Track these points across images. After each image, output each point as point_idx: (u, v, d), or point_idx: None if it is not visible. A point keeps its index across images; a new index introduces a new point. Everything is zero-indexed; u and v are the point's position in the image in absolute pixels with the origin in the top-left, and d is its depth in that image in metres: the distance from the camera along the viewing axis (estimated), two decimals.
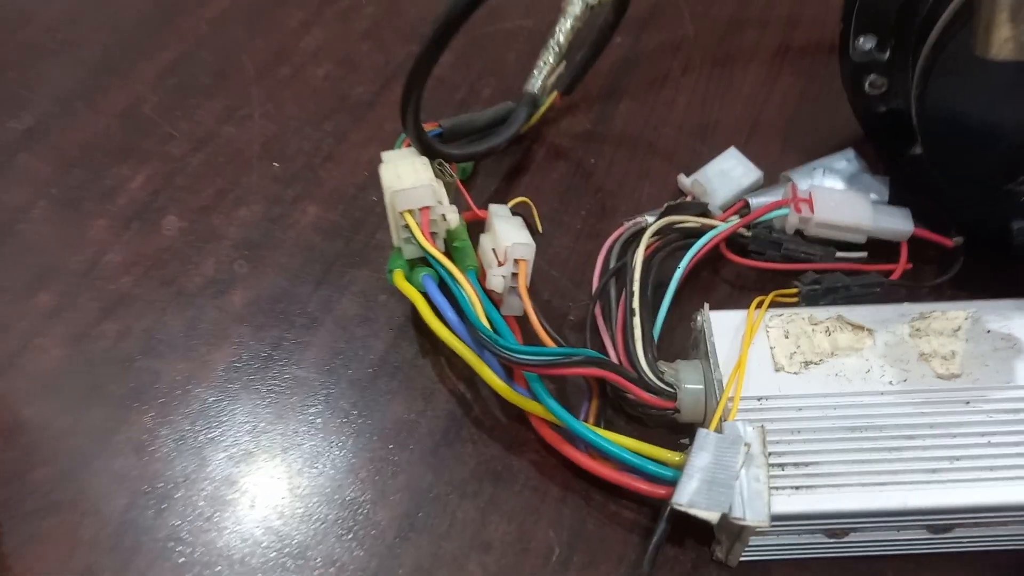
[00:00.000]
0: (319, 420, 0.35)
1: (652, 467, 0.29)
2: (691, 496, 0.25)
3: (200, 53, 0.48)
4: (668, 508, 0.28)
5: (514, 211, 0.39)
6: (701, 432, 0.28)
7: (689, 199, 0.40)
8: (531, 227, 0.41)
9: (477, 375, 0.32)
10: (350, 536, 0.32)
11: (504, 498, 0.32)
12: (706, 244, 0.36)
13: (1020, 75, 0.30)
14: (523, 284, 0.33)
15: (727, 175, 0.41)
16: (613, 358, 0.33)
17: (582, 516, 0.32)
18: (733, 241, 0.38)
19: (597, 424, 0.33)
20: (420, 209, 0.34)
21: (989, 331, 0.31)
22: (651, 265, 0.36)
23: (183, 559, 0.31)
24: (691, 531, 0.31)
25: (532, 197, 0.41)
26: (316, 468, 0.33)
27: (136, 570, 0.31)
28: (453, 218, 0.35)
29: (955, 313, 0.31)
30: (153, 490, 0.33)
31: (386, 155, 0.36)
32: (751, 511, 0.26)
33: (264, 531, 0.32)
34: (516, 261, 0.33)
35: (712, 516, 0.25)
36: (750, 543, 0.29)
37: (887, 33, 0.35)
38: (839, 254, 0.37)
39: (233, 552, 0.31)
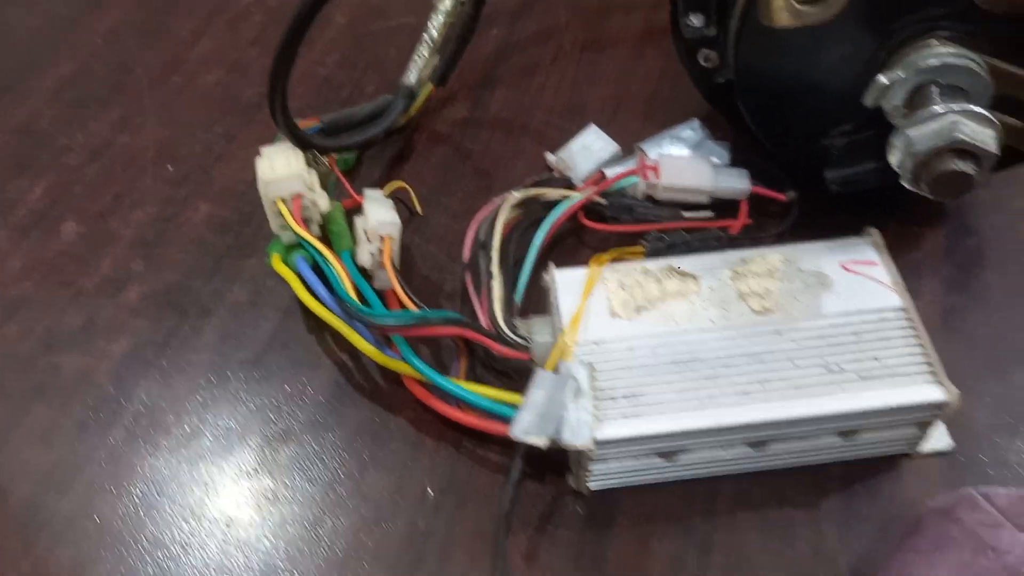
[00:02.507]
0: (211, 398, 0.37)
1: (509, 411, 0.32)
2: (525, 426, 0.29)
3: (94, 66, 0.50)
4: (521, 447, 0.32)
5: (394, 196, 0.42)
6: (538, 372, 0.31)
7: (555, 174, 0.44)
8: (410, 209, 0.44)
9: (355, 346, 0.35)
10: (243, 495, 0.34)
11: (382, 454, 0.35)
12: (564, 212, 0.40)
13: (811, 40, 0.34)
14: (387, 258, 0.36)
15: (588, 150, 0.44)
16: (481, 320, 0.36)
17: (454, 464, 0.35)
18: (593, 210, 0.41)
19: (468, 380, 0.36)
20: (292, 197, 0.37)
21: (801, 270, 0.34)
22: (513, 235, 0.39)
23: (88, 536, 0.34)
24: (548, 469, 0.34)
25: (413, 182, 0.44)
26: (208, 440, 0.36)
27: (43, 547, 0.33)
28: (324, 204, 0.38)
29: (772, 256, 0.35)
30: (56, 473, 0.35)
31: (265, 149, 0.39)
32: (578, 436, 0.29)
33: (163, 500, 0.34)
34: (381, 238, 0.36)
35: (541, 441, 0.28)
36: (594, 469, 0.32)
37: (711, 9, 0.39)
38: (686, 214, 0.41)
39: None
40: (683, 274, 0.34)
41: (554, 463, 0.34)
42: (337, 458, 0.35)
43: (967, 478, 0.34)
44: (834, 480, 0.34)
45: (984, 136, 0.31)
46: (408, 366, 0.34)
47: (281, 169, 0.37)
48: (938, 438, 0.34)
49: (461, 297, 0.39)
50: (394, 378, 0.37)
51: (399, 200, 0.44)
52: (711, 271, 0.35)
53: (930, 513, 0.28)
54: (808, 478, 0.34)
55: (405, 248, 0.42)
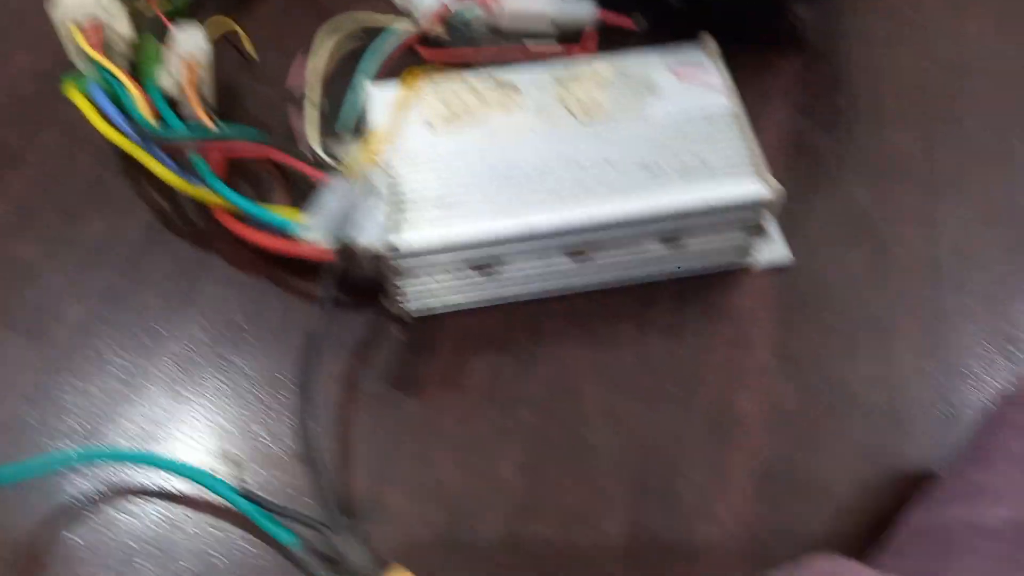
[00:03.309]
0: (27, 248, 0.35)
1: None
2: (316, 229, 0.27)
3: None
4: (332, 267, 0.30)
5: (226, 38, 0.39)
6: (334, 179, 0.29)
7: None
8: (242, 53, 0.41)
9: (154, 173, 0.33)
10: (32, 333, 0.32)
11: (197, 292, 0.33)
12: (395, 40, 0.37)
13: None
14: (188, 81, 0.33)
15: None
16: (303, 148, 0.34)
17: (269, 296, 0.33)
18: (432, 42, 0.39)
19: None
20: (89, 23, 0.34)
21: (629, 77, 0.33)
22: (339, 61, 0.37)
23: None
24: (371, 298, 0.32)
25: (250, 24, 0.42)
26: (26, 287, 0.34)
27: None
28: (125, 30, 0.35)
29: (600, 65, 0.33)
30: None
31: None
32: (369, 236, 0.27)
33: None
34: (185, 61, 0.34)
35: (327, 240, 0.27)
36: (408, 287, 0.30)
37: None
38: (530, 43, 0.39)
39: None
40: (504, 84, 0.32)
41: (377, 293, 0.32)
42: (151, 297, 0.33)
43: (804, 288, 0.33)
44: (666, 295, 0.33)
45: None
46: (212, 192, 0.32)
47: None
48: (775, 251, 0.33)
49: (293, 137, 0.37)
50: (211, 217, 0.35)
51: (232, 43, 0.41)
52: (535, 82, 0.33)
53: (1007, 405, 0.25)
54: (639, 294, 0.33)
55: (234, 89, 0.40)
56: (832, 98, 0.39)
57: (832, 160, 0.37)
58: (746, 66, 0.39)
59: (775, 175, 0.36)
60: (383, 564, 0.26)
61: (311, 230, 0.26)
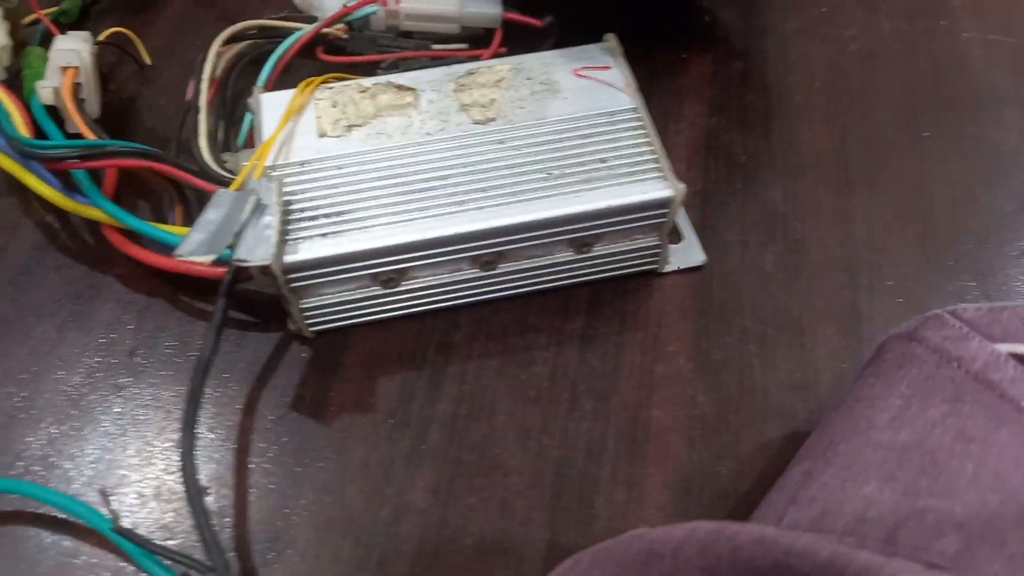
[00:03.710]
0: None
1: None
2: (193, 246, 0.25)
3: None
4: (223, 285, 0.28)
5: (119, 46, 0.37)
6: (218, 191, 0.27)
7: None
8: (138, 61, 0.39)
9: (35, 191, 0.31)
10: None
11: (85, 315, 0.31)
12: (292, 45, 0.36)
13: None
14: (67, 89, 0.31)
15: None
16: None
17: (166, 318, 0.31)
18: (335, 47, 0.38)
19: None
20: None
21: (530, 78, 0.32)
22: (234, 69, 0.35)
23: None
24: (273, 317, 0.31)
25: (150, 34, 0.40)
26: None
27: None
28: (2, 42, 0.33)
29: (500, 66, 0.32)
30: None
31: None
32: (256, 252, 0.26)
33: None
34: (63, 69, 0.32)
35: (207, 259, 0.25)
36: (307, 305, 0.29)
37: None
38: (436, 46, 0.37)
39: None
40: (401, 88, 0.31)
41: (279, 312, 0.30)
42: (39, 323, 0.31)
43: (719, 291, 0.32)
44: (580, 303, 0.32)
45: None
46: (98, 210, 0.30)
47: None
48: (690, 253, 0.33)
49: (177, 144, 0.35)
50: (100, 235, 0.33)
51: (126, 52, 0.40)
52: (433, 84, 0.31)
53: (891, 339, 0.24)
54: (553, 303, 0.32)
55: (131, 101, 0.38)
56: (744, 95, 0.38)
57: (745, 158, 0.36)
58: (658, 65, 0.39)
59: (687, 174, 0.36)
60: None
61: (190, 249, 0.25)
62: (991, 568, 0.19)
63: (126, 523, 0.26)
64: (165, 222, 0.33)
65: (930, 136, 0.37)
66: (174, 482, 0.28)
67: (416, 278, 0.29)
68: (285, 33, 0.36)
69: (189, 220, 0.33)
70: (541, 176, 0.29)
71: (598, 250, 0.30)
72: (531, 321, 0.31)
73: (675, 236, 0.32)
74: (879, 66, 0.40)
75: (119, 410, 0.29)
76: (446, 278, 0.29)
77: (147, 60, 0.39)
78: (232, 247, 0.26)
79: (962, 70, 0.40)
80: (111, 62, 0.39)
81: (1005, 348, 0.22)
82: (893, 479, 0.21)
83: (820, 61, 0.40)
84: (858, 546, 0.19)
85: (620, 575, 0.19)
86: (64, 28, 0.37)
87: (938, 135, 0.37)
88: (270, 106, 0.31)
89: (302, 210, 0.28)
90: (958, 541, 0.19)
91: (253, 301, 0.31)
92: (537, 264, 0.30)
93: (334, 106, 0.30)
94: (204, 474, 0.28)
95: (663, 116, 0.37)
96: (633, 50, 0.34)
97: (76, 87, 0.32)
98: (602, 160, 0.29)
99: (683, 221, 0.33)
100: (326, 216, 0.28)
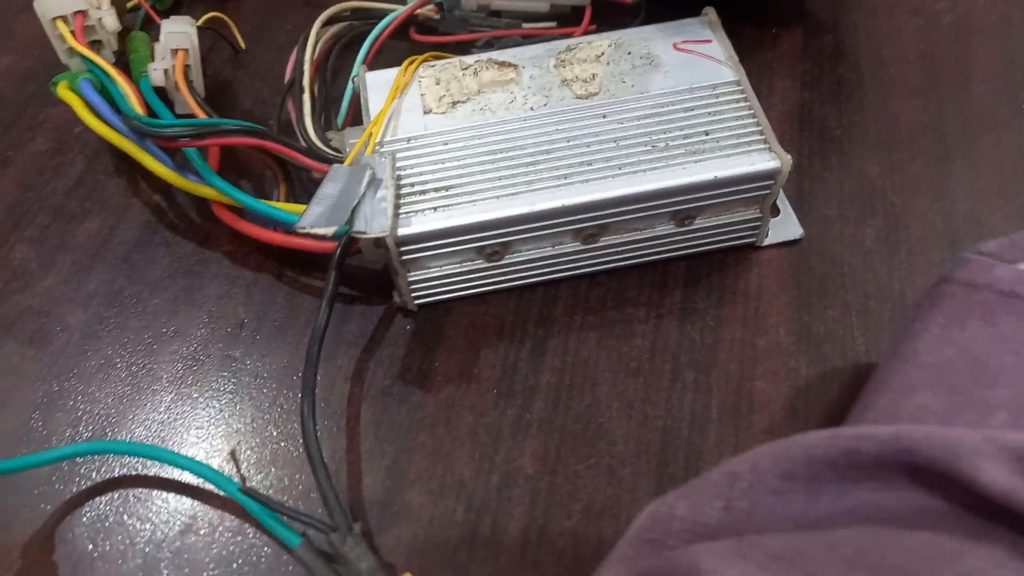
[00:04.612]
0: (15, 245, 0.34)
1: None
2: (313, 219, 0.26)
3: None
4: (335, 258, 0.29)
5: (214, 31, 0.38)
6: (334, 167, 0.28)
7: None
8: (233, 45, 0.40)
9: (172, 185, 0.32)
10: (35, 340, 0.31)
11: (195, 289, 0.32)
12: (387, 26, 0.36)
13: None
14: (179, 71, 0.32)
15: None
16: (300, 140, 0.33)
17: (273, 292, 0.32)
18: (428, 28, 0.38)
19: None
20: (75, 16, 0.33)
21: (630, 53, 0.32)
22: (332, 50, 0.36)
23: None
24: (377, 291, 0.32)
25: (238, 18, 0.41)
26: (23, 292, 0.33)
27: None
28: (110, 21, 0.34)
29: (600, 42, 0.32)
30: None
31: None
32: (372, 225, 0.26)
33: None
34: (174, 52, 0.33)
35: (328, 231, 0.26)
36: (413, 278, 0.29)
37: None
38: (527, 24, 0.38)
39: None
40: (502, 64, 0.31)
41: (382, 286, 0.31)
42: (153, 297, 0.32)
43: (818, 265, 0.32)
44: (677, 276, 0.32)
45: None
46: (210, 188, 0.31)
47: None
48: (788, 227, 0.33)
49: (278, 122, 0.36)
50: (211, 215, 0.34)
51: (222, 36, 0.41)
52: (534, 61, 0.32)
53: (925, 292, 0.26)
54: (650, 276, 0.32)
55: (227, 83, 0.39)
56: (836, 69, 0.38)
57: (839, 132, 0.36)
58: (747, 41, 0.39)
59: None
60: (391, 570, 0.26)
61: (311, 221, 0.26)
62: None
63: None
64: (268, 199, 0.34)
65: None
66: (289, 447, 0.29)
67: (519, 251, 0.30)
68: (379, 15, 0.37)
69: (293, 197, 0.34)
70: (645, 149, 0.29)
71: (700, 223, 0.30)
72: (629, 295, 0.32)
73: (774, 210, 0.32)
74: (974, 38, 0.39)
75: (233, 379, 0.30)
76: (548, 251, 0.30)
77: (242, 44, 0.40)
78: (349, 221, 0.26)
79: None
80: (208, 46, 0.40)
81: None
82: (942, 386, 0.22)
83: (912, 34, 0.39)
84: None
85: (704, 502, 0.20)
86: (161, 15, 0.38)
87: None
88: (375, 84, 0.31)
89: (412, 184, 0.29)
90: (1006, 416, 0.21)
91: (357, 276, 0.32)
92: (639, 237, 0.30)
93: (438, 83, 0.31)
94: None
95: (756, 92, 0.37)
96: (723, 26, 0.34)
97: (186, 69, 0.33)
98: (706, 132, 0.29)
99: (780, 194, 0.33)
100: (435, 190, 0.28)
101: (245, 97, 0.38)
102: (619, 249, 0.30)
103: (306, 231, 0.26)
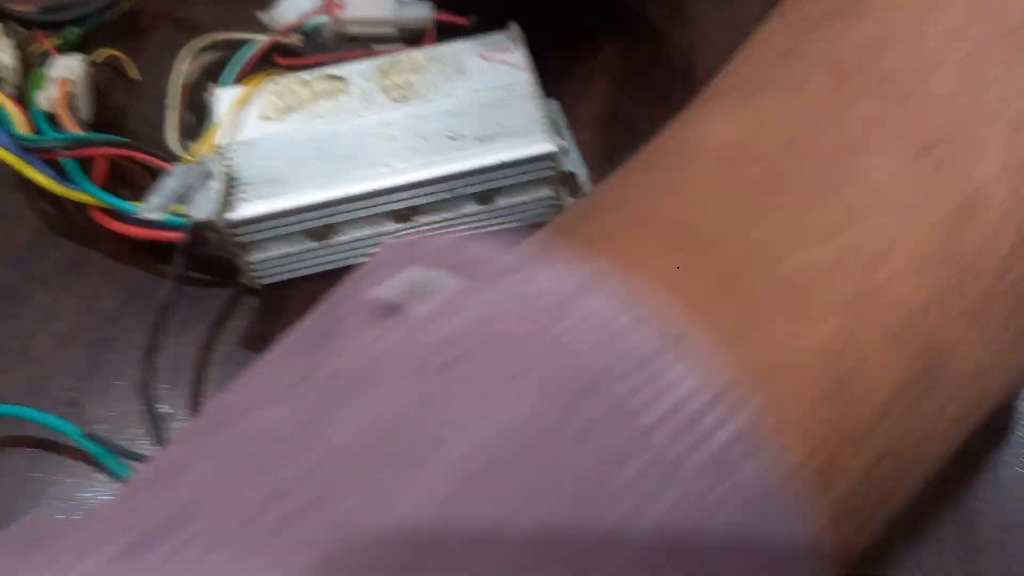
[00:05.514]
0: None
1: (170, 219, 0.34)
2: (149, 207, 0.31)
3: None
4: (182, 244, 0.34)
5: (103, 62, 0.44)
6: (175, 165, 0.33)
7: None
8: (127, 77, 0.46)
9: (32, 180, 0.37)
10: None
11: (76, 282, 0.38)
12: (252, 51, 0.42)
13: None
14: (62, 97, 0.38)
15: (295, 5, 0.46)
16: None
17: (143, 282, 0.37)
18: (293, 52, 0.44)
19: None
20: None
21: (443, 63, 0.37)
22: (203, 77, 0.42)
23: None
24: (224, 273, 0.36)
25: (137, 55, 0.46)
26: None
27: None
28: (4, 58, 0.39)
29: (418, 55, 0.37)
30: None
31: None
32: (201, 211, 0.31)
33: None
34: (58, 82, 0.38)
35: (161, 216, 0.31)
36: (253, 259, 0.34)
37: None
38: (376, 46, 0.43)
39: None
40: (333, 77, 0.37)
41: (225, 267, 0.36)
42: (41, 290, 0.37)
43: None
44: None
45: None
46: (84, 193, 0.36)
47: None
48: None
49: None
50: (89, 217, 0.39)
51: (118, 70, 0.46)
52: (361, 74, 0.37)
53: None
54: None
55: (121, 110, 0.44)
56: (649, 73, 0.43)
57: (649, 130, 0.41)
58: (572, 52, 0.44)
59: (593, 144, 0.40)
60: None
61: (146, 208, 0.31)
62: None
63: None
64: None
65: None
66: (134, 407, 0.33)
67: (345, 232, 0.35)
68: (245, 42, 0.43)
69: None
70: (448, 139, 0.34)
71: (501, 202, 0.35)
72: None
73: (576, 193, 0.37)
74: None
75: (105, 357, 0.35)
76: (369, 231, 0.35)
77: (136, 76, 0.45)
78: (183, 207, 0.32)
79: None
80: (109, 80, 0.46)
81: None
82: None
83: (720, 43, 0.44)
84: None
85: None
86: (63, 52, 0.44)
87: None
88: (225, 99, 0.37)
89: (243, 178, 0.34)
90: None
91: (210, 262, 0.37)
92: (448, 216, 0.35)
93: (275, 94, 0.36)
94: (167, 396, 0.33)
95: (573, 97, 0.42)
96: (548, 40, 0.39)
97: (69, 96, 0.39)
98: (498, 124, 0.34)
99: (584, 181, 0.38)
100: (264, 183, 0.33)
101: (133, 119, 0.44)
102: (433, 228, 0.35)
103: (144, 216, 0.31)
